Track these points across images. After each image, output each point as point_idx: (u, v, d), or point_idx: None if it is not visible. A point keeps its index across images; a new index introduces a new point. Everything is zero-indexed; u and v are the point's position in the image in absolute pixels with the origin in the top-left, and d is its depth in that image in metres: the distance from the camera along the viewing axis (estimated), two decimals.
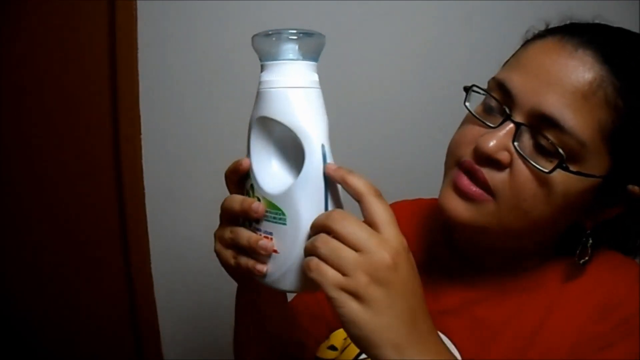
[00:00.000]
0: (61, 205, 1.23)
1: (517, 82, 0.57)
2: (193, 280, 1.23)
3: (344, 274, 0.46)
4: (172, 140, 1.18)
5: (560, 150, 0.54)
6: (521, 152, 0.56)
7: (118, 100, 1.15)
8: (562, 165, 0.54)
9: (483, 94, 0.61)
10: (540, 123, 0.55)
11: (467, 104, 0.62)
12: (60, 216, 1.24)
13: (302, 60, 0.52)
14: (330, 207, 0.51)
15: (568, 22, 0.63)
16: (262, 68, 0.53)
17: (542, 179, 0.56)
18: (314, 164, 0.50)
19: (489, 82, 0.62)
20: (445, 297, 0.68)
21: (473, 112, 0.61)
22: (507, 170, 0.57)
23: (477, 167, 0.57)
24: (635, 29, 1.14)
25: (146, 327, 1.24)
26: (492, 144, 0.56)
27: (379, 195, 0.49)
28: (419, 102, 1.12)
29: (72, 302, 1.27)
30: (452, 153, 0.62)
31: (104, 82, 1.16)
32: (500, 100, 0.59)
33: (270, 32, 0.51)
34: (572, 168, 0.55)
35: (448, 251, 0.72)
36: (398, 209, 0.80)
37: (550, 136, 0.55)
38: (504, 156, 0.56)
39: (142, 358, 1.26)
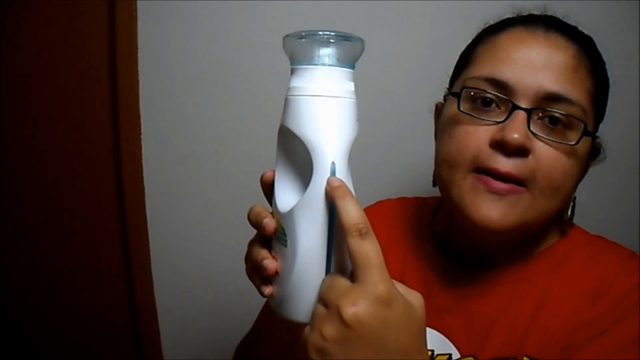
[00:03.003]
0: (61, 206, 1.23)
1: (510, 74, 0.60)
2: (193, 281, 1.23)
3: (312, 329, 0.44)
4: (172, 140, 1.17)
5: (581, 119, 0.60)
6: (540, 135, 0.59)
7: (118, 100, 1.15)
8: (586, 132, 0.60)
9: (481, 94, 0.62)
10: (547, 103, 0.60)
11: (461, 107, 0.63)
12: (60, 216, 1.24)
13: (333, 66, 0.47)
14: (336, 236, 0.46)
15: (510, 15, 0.68)
16: (291, 72, 0.49)
17: (567, 152, 0.60)
18: (319, 183, 0.45)
19: (467, 82, 0.64)
20: (439, 296, 0.69)
21: (463, 112, 0.63)
22: (530, 156, 0.59)
23: (508, 169, 0.58)
24: (635, 29, 1.14)
25: (146, 327, 1.24)
26: (516, 135, 0.58)
27: (363, 234, 0.43)
28: (418, 101, 1.12)
29: (72, 302, 1.27)
30: (460, 159, 0.61)
31: (104, 82, 1.16)
32: (497, 94, 0.61)
33: (301, 34, 0.47)
34: (580, 134, 0.60)
35: (437, 249, 0.73)
36: (383, 208, 0.83)
37: (561, 111, 0.59)
38: (528, 143, 0.59)
39: (142, 358, 1.26)
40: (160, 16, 1.12)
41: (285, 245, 0.48)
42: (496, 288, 0.66)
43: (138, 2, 1.11)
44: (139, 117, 1.15)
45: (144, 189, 1.19)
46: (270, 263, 0.50)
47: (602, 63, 0.66)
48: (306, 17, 1.09)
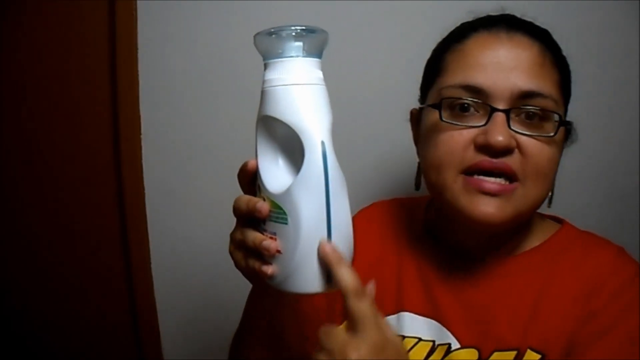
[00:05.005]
0: (61, 205, 1.23)
1: (483, 79, 0.64)
2: (193, 281, 1.23)
3: None
4: (172, 140, 1.18)
5: (554, 111, 0.64)
6: (521, 132, 0.63)
7: (118, 100, 1.15)
8: (562, 122, 0.64)
9: (459, 101, 0.65)
10: (522, 101, 0.63)
11: (443, 117, 0.66)
12: (60, 216, 1.24)
13: (303, 57, 0.52)
14: (333, 206, 0.51)
15: (470, 18, 0.72)
16: (265, 67, 0.53)
17: (548, 142, 0.64)
18: (313, 161, 0.50)
19: (443, 92, 0.67)
20: (436, 287, 0.72)
21: (445, 121, 0.66)
22: (516, 151, 0.63)
23: (496, 161, 0.62)
24: (635, 29, 1.15)
25: (146, 328, 1.24)
26: (501, 137, 0.62)
27: (358, 293, 0.50)
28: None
29: (71, 302, 1.27)
30: (448, 162, 0.65)
31: (104, 82, 1.16)
32: (474, 100, 0.64)
33: (271, 30, 0.52)
34: (557, 125, 0.64)
35: (431, 243, 0.76)
36: (377, 209, 0.87)
37: (536, 105, 0.63)
38: (513, 143, 0.62)
39: (142, 358, 1.26)
40: (160, 16, 1.12)
41: (286, 223, 0.51)
42: (491, 279, 0.69)
43: (138, 2, 1.11)
44: (139, 117, 1.16)
45: (144, 189, 1.19)
46: (271, 243, 0.53)
47: (561, 52, 0.70)
48: (307, 18, 1.09)
